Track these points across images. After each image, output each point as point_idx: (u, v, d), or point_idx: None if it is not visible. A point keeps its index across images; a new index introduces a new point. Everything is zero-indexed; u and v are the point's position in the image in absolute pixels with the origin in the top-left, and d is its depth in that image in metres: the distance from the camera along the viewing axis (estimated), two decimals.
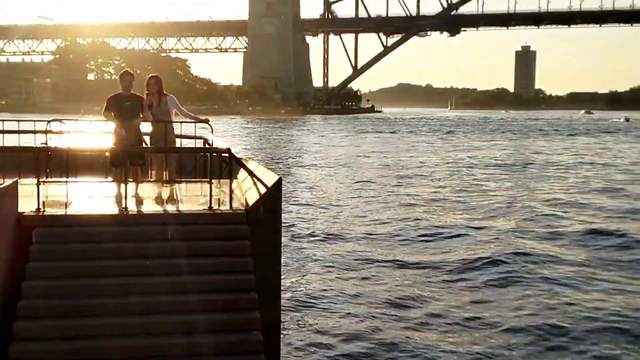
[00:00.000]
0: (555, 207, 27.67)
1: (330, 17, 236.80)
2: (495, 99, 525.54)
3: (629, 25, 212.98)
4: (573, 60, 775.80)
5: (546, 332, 12.45)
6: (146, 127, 11.49)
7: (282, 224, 9.97)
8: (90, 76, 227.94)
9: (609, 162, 50.92)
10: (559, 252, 19.04)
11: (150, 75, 11.83)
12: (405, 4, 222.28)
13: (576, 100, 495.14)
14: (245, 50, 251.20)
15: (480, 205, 28.21)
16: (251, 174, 9.93)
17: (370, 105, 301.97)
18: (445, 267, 17.31)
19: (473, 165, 47.37)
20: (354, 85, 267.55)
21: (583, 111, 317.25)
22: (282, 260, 10.23)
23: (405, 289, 15.26)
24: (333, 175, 40.34)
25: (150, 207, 9.87)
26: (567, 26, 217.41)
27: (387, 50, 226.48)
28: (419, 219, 24.20)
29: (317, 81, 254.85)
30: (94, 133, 12.92)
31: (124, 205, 9.49)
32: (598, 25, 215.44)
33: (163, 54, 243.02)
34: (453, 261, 17.90)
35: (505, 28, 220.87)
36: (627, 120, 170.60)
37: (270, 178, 9.64)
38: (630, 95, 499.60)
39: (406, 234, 21.58)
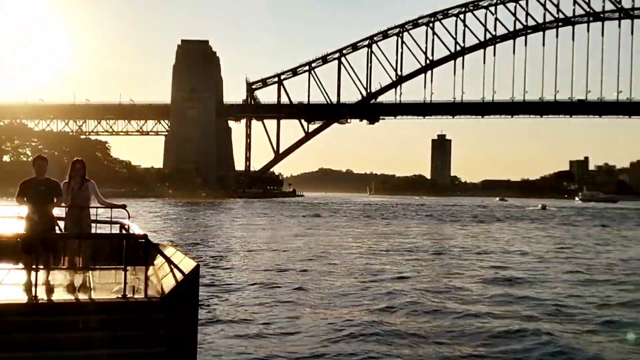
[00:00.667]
0: (465, 300, 28.12)
1: (253, 102, 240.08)
2: (413, 185, 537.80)
3: (539, 116, 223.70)
4: (487, 149, 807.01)
5: None
6: (61, 211, 11.27)
7: (199, 312, 9.81)
8: (6, 158, 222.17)
9: (525, 249, 52.35)
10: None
11: (76, 158, 11.74)
12: (326, 92, 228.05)
13: (490, 187, 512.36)
14: (167, 133, 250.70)
15: (388, 292, 28.38)
16: (168, 260, 9.80)
17: (291, 190, 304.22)
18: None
19: (389, 249, 47.82)
20: (276, 169, 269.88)
21: (497, 198, 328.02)
22: (198, 349, 10.01)
23: None
24: (253, 259, 40.04)
25: (62, 295, 9.59)
26: (480, 117, 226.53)
27: (308, 136, 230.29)
28: (332, 307, 24.16)
29: (239, 165, 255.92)
30: (5, 217, 12.57)
31: (34, 294, 9.20)
32: (510, 116, 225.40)
33: (82, 137, 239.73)
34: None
35: (422, 117, 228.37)
36: (543, 208, 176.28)
37: (187, 265, 9.54)
38: (541, 183, 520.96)
39: (335, 307, 21.49)
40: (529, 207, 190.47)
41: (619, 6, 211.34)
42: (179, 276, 9.29)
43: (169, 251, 10.71)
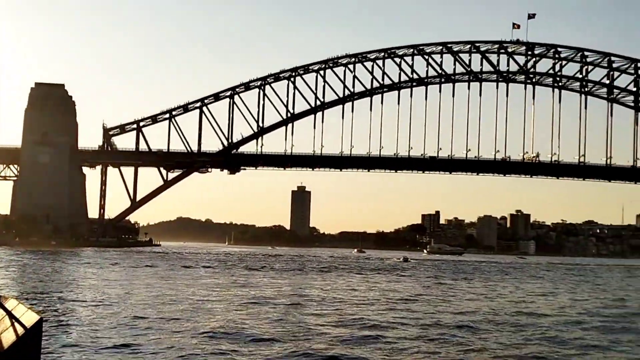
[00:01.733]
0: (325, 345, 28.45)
1: (109, 148, 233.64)
2: (273, 235, 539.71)
3: (394, 171, 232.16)
4: (345, 201, 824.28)
5: None
6: None
7: None
8: None
9: (381, 299, 53.64)
10: None
11: None
12: (186, 141, 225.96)
13: (347, 239, 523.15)
14: (15, 178, 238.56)
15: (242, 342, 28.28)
16: (8, 313, 9.33)
17: (148, 239, 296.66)
18: None
19: (249, 300, 47.57)
20: (132, 218, 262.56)
21: (355, 250, 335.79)
22: None
23: None
24: (102, 311, 38.56)
25: None
26: (339, 169, 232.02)
27: (167, 184, 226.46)
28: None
29: (94, 213, 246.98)
30: None
31: None
32: (367, 170, 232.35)
33: None
34: None
35: (282, 168, 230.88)
36: (405, 260, 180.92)
37: (29, 318, 9.11)
38: (395, 235, 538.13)
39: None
40: (393, 259, 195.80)
41: (469, 69, 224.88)
42: (20, 330, 8.85)
43: (10, 304, 10.20)
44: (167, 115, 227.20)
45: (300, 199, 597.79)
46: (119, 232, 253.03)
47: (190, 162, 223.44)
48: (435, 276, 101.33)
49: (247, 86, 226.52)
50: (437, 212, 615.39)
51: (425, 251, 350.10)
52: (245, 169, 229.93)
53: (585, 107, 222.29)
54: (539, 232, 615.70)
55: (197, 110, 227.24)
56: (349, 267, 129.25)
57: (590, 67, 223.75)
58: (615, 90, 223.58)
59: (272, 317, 38.37)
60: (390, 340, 30.76)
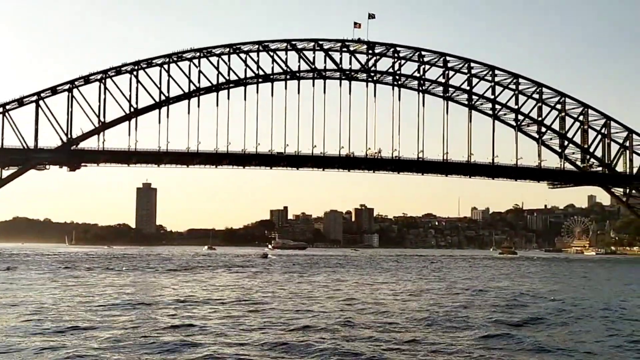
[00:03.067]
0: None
1: None
2: (117, 234, 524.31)
3: (241, 167, 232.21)
4: (192, 198, 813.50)
5: None
6: None
7: None
8: None
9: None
10: None
11: None
12: (22, 136, 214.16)
13: (195, 236, 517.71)
14: None
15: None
16: None
17: None
18: None
19: (92, 303, 46.24)
20: None
21: (206, 247, 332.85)
22: None
23: None
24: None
25: None
26: (186, 166, 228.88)
27: (1, 182, 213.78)
28: None
29: None
30: None
31: None
32: (215, 166, 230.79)
33: None
34: None
35: (126, 165, 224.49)
36: (265, 256, 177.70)
37: None
38: (244, 232, 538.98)
39: None
40: (252, 255, 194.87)
41: (313, 67, 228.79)
42: None
43: None
44: (0, 110, 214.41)
45: (146, 196, 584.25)
46: None
47: (26, 159, 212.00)
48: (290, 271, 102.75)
49: (86, 80, 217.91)
50: (285, 208, 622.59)
51: (270, 246, 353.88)
52: (86, 166, 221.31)
53: (423, 105, 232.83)
54: (382, 225, 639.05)
55: (33, 105, 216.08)
56: (206, 264, 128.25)
57: (427, 67, 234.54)
58: (450, 89, 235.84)
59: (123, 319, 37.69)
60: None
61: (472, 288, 64.91)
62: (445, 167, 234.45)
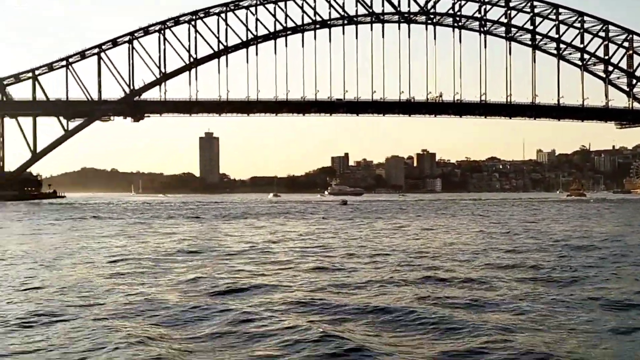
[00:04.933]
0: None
1: (4, 99, 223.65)
2: (182, 183, 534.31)
3: (301, 114, 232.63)
4: (254, 146, 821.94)
5: None
6: None
7: None
8: None
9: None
10: None
11: None
12: (86, 89, 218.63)
13: (258, 183, 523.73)
14: None
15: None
16: None
17: (52, 191, 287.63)
18: None
19: (166, 251, 47.08)
20: (34, 169, 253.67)
21: (271, 194, 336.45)
22: None
23: None
24: (8, 269, 37.54)
25: None
26: (246, 115, 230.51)
27: (68, 134, 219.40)
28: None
29: None
30: None
31: None
32: (274, 114, 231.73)
33: None
34: None
35: (188, 115, 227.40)
36: (344, 203, 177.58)
37: None
38: (306, 179, 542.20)
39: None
40: (315, 197, 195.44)
41: (371, 11, 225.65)
42: None
43: None
44: (64, 63, 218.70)
45: (209, 145, 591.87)
46: (20, 185, 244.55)
47: (91, 111, 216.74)
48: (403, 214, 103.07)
49: (146, 31, 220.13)
50: (346, 154, 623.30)
51: (326, 192, 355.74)
52: (149, 116, 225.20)
53: (485, 47, 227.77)
54: (445, 170, 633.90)
55: (95, 57, 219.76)
56: (286, 212, 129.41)
57: (488, 7, 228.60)
58: (512, 29, 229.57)
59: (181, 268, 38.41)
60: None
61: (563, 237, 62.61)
62: (508, 109, 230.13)
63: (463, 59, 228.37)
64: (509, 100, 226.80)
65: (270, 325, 20.37)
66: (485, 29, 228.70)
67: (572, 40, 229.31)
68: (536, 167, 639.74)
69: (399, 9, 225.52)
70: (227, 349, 17.80)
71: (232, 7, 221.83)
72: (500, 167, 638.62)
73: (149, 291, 27.60)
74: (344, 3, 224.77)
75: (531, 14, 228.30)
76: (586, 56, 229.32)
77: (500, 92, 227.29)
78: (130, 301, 25.07)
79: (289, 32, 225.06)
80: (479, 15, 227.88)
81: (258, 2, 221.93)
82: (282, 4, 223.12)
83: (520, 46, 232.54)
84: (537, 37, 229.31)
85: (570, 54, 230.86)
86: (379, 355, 16.84)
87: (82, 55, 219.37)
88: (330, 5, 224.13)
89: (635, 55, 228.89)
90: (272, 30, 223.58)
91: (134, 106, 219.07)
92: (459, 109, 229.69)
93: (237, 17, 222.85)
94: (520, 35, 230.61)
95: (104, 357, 17.02)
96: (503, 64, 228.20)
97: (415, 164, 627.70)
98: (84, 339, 18.83)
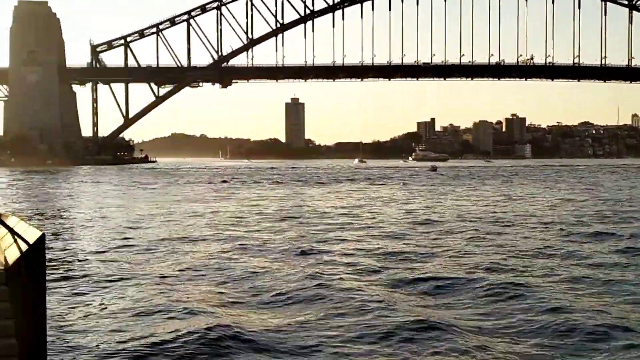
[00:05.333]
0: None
1: (98, 65, 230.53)
2: (268, 148, 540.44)
3: (387, 79, 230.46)
4: (339, 112, 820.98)
5: None
6: None
7: (47, 283, 9.43)
8: None
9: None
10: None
11: None
12: (175, 55, 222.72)
13: (343, 149, 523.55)
14: (6, 99, 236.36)
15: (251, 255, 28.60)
16: (10, 230, 9.31)
17: (143, 156, 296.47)
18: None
19: (255, 215, 47.61)
20: (126, 135, 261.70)
21: (357, 160, 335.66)
22: (49, 321, 9.64)
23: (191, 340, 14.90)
24: (106, 229, 38.79)
25: None
26: (332, 79, 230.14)
27: (158, 100, 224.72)
28: (196, 267, 24.06)
29: (87, 131, 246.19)
30: None
31: None
32: (360, 79, 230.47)
33: None
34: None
35: (274, 80, 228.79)
36: (434, 169, 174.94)
37: (32, 234, 9.10)
38: (391, 145, 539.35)
39: (176, 279, 21.41)
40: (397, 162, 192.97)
41: None
42: (23, 246, 8.85)
43: (11, 221, 10.18)
44: (155, 30, 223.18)
45: (295, 111, 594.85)
46: (114, 150, 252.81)
47: (180, 77, 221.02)
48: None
49: None
50: (432, 120, 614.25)
51: (410, 158, 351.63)
52: (237, 82, 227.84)
53: (579, 7, 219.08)
54: (535, 135, 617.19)
55: (185, 24, 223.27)
56: (380, 178, 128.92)
57: None
58: None
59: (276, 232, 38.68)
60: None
61: None
62: (603, 73, 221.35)
63: (555, 20, 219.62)
64: (603, 62, 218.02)
65: (352, 290, 20.16)
66: None
67: None
68: (631, 133, 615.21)
69: None
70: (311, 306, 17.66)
71: None
72: (594, 132, 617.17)
73: (232, 252, 27.96)
74: None
75: None
76: None
77: (594, 54, 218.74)
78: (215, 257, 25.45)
79: None
80: None
81: None
82: None
83: (616, 6, 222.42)
84: None
85: None
86: None
87: (172, 22, 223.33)
88: None
89: None
90: None
91: (221, 72, 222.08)
92: (551, 72, 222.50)
93: None
94: None
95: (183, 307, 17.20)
96: (597, 25, 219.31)
97: (504, 129, 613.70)
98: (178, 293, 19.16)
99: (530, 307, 17.93)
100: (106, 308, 18.48)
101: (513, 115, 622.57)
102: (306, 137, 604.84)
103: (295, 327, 16.25)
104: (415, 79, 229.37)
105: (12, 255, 8.97)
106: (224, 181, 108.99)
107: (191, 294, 20.17)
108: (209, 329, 15.69)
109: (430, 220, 42.02)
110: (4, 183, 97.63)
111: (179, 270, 24.05)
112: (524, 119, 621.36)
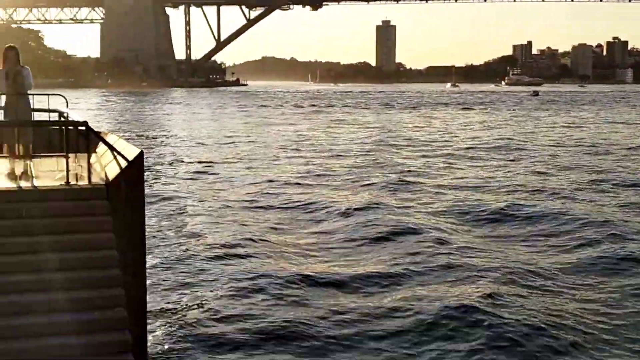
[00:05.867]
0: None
1: None
2: (358, 72, 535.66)
3: (483, 1, 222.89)
4: (431, 35, 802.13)
5: None
6: None
7: (145, 200, 9.70)
8: None
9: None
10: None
11: (8, 45, 11.12)
12: None
13: (434, 74, 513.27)
14: (102, 21, 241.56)
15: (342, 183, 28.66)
16: (110, 147, 9.54)
17: (235, 79, 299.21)
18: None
19: (347, 143, 47.34)
20: (218, 58, 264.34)
21: (449, 84, 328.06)
22: (147, 237, 9.97)
23: (286, 267, 15.01)
24: (200, 149, 39.67)
25: (3, 183, 9.35)
26: (424, 1, 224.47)
27: (250, 23, 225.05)
28: (283, 194, 24.37)
29: (180, 54, 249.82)
30: None
31: None
32: (454, 1, 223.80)
33: (14, 25, 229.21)
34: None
35: (366, 2, 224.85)
36: (535, 94, 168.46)
37: (131, 151, 9.32)
38: (485, 68, 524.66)
39: (268, 202, 21.80)
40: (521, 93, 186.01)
41: None
42: (123, 163, 9.08)
43: (111, 138, 10.45)
44: None
45: (385, 34, 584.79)
46: (206, 73, 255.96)
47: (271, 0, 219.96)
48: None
49: None
50: (529, 43, 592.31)
51: (503, 83, 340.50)
52: (327, 4, 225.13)
53: None
54: (638, 59, 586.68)
55: None
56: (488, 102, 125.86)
57: None
58: None
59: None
60: None
61: None
62: None
63: None
64: None
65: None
66: None
67: None
68: None
69: None
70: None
71: None
72: None
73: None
74: None
75: None
76: None
77: None
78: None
79: None
80: None
81: None
82: None
83: None
84: None
85: None
86: None
87: None
88: None
89: None
90: None
91: None
92: None
93: None
94: None
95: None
96: None
97: (604, 53, 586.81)
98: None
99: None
100: (200, 223, 19.05)
101: (615, 38, 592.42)
102: (397, 60, 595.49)
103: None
104: (512, 0, 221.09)
105: (113, 171, 9.24)
106: (314, 105, 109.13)
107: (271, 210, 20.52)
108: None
109: (524, 147, 40.91)
110: (101, 104, 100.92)
111: (266, 192, 24.44)
112: (626, 43, 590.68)
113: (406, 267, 14.66)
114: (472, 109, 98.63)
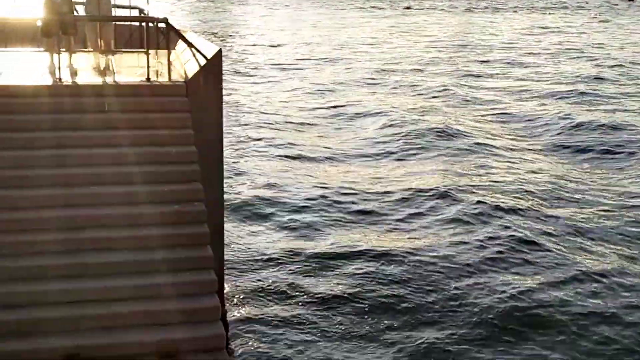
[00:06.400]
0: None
1: None
2: None
3: None
4: None
5: None
6: None
7: (224, 97, 9.75)
8: None
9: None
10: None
11: None
12: None
13: None
14: None
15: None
16: (190, 45, 9.57)
17: None
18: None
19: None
20: None
21: None
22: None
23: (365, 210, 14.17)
24: (283, 53, 39.13)
25: (85, 78, 9.53)
26: None
27: None
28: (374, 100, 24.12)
29: None
30: (24, 2, 12.27)
31: (58, 76, 9.15)
32: None
33: None
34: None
35: None
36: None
37: (210, 49, 9.34)
38: None
39: (340, 117, 21.68)
40: None
41: None
42: (202, 60, 9.11)
43: (191, 36, 10.47)
44: None
45: None
46: None
47: None
48: None
49: None
50: None
51: None
52: None
53: None
54: None
55: None
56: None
57: None
58: None
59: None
60: None
61: None
62: None
63: None
64: None
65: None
66: None
67: None
68: None
69: None
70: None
71: None
72: None
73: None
74: None
75: None
76: None
77: None
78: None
79: None
80: None
81: None
82: None
83: None
84: None
85: None
86: None
87: None
88: None
89: None
90: None
91: None
92: None
93: None
94: None
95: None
96: None
97: None
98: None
99: None
100: (278, 123, 19.11)
101: None
102: None
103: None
104: None
105: (192, 68, 9.29)
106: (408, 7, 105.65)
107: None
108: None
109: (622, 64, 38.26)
110: (184, 3, 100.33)
111: (343, 92, 24.23)
112: None
113: None
114: (550, 11, 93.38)
